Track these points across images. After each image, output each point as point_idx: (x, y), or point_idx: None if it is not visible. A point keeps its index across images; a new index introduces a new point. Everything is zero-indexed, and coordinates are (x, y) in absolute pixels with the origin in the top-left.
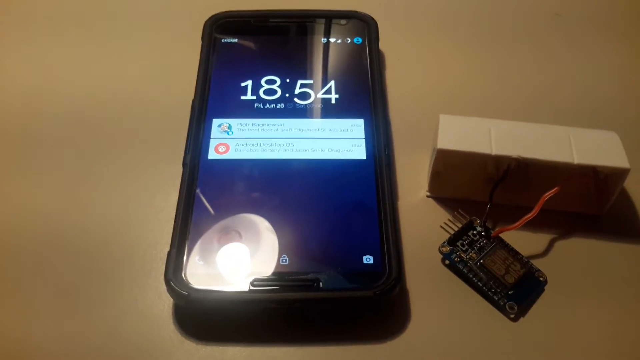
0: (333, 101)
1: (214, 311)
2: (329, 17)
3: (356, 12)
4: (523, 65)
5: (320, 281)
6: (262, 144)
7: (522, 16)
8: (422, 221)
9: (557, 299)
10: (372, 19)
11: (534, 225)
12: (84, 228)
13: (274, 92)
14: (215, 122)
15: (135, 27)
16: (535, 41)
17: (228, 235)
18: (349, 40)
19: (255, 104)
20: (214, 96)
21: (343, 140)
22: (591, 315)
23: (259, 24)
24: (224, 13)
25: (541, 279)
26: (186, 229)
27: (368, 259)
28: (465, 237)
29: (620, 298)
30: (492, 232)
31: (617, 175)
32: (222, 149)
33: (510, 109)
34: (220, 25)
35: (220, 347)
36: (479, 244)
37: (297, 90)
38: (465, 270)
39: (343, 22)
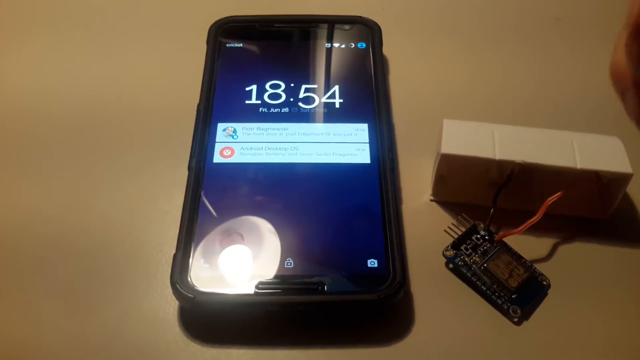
0: (337, 105)
1: (219, 314)
2: (333, 22)
3: (360, 17)
4: (525, 69)
5: (324, 284)
6: (266, 148)
7: (524, 21)
8: (425, 225)
9: (561, 303)
10: (376, 24)
11: (537, 230)
12: (89, 230)
13: (278, 96)
14: (220, 126)
15: (140, 31)
16: (536, 46)
17: (233, 238)
18: (353, 45)
19: (260, 108)
20: (219, 100)
21: (347, 144)
22: (594, 319)
23: (264, 29)
24: (228, 18)
25: (544, 283)
26: (192, 231)
27: (372, 263)
28: (469, 241)
29: (623, 302)
30: (496, 236)
31: (620, 180)
32: (227, 152)
33: (513, 113)
34: (225, 30)
35: (225, 350)
36: (483, 248)
37: (302, 95)
38: (469, 274)
39: (347, 27)
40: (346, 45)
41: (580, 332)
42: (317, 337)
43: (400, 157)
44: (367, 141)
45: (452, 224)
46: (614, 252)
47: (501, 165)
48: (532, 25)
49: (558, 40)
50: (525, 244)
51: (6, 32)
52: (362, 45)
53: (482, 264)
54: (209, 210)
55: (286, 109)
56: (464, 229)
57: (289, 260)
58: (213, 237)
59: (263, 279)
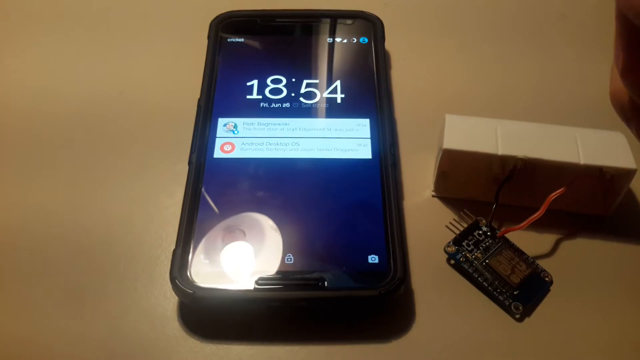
0: (339, 100)
1: (219, 309)
2: (335, 17)
3: (362, 12)
4: (529, 65)
5: (325, 280)
6: (267, 143)
7: (528, 16)
8: (427, 221)
9: (563, 300)
10: (378, 18)
11: (539, 226)
12: (89, 226)
13: (279, 91)
14: (221, 121)
15: (141, 26)
16: (541, 41)
17: (233, 233)
18: (355, 40)
19: (261, 103)
20: (220, 95)
21: (348, 139)
22: (597, 315)
23: (265, 24)
24: (230, 13)
25: (547, 279)
26: (191, 227)
27: (373, 259)
28: (470, 237)
29: (625, 299)
30: (498, 232)
31: (624, 175)
32: (227, 148)
33: (516, 108)
34: (226, 25)
35: (225, 346)
36: (485, 244)
37: (303, 90)
38: (470, 270)
39: (349, 22)
40: (348, 40)
41: (582, 328)
42: (317, 333)
43: (402, 152)
44: (369, 136)
45: (454, 219)
46: (616, 248)
47: (504, 161)
48: (536, 21)
49: (562, 35)
50: (528, 240)
51: (8, 31)
52: (364, 40)
53: (484, 260)
54: (209, 206)
55: (287, 104)
56: (465, 225)
57: (289, 255)
58: (213, 232)
59: (263, 275)
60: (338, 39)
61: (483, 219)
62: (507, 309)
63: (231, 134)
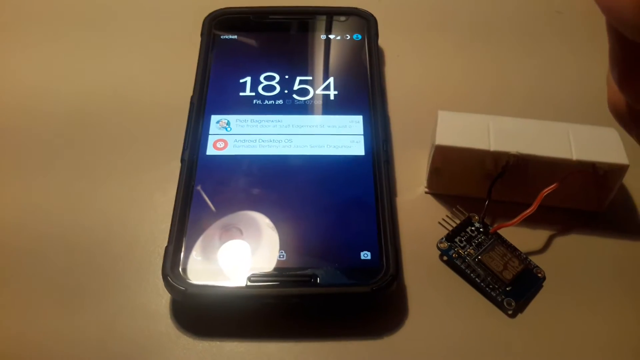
0: (332, 97)
1: (211, 306)
2: (329, 14)
3: (356, 8)
4: (522, 62)
5: (317, 277)
6: (260, 140)
7: (523, 13)
8: (420, 217)
9: (556, 296)
10: (372, 15)
11: (532, 222)
12: (81, 224)
13: (272, 88)
14: (214, 118)
15: (134, 23)
16: (535, 39)
17: (226, 231)
18: (349, 37)
19: (254, 100)
20: (213, 92)
21: (342, 136)
22: (590, 311)
23: (258, 21)
24: (223, 9)
25: (539, 275)
26: (184, 224)
27: (366, 255)
28: (463, 233)
29: (619, 294)
30: (491, 228)
31: (617, 171)
32: (220, 145)
33: (510, 105)
34: (219, 22)
35: (217, 342)
36: (477, 240)
37: (296, 87)
38: (463, 267)
39: (342, 18)
40: (341, 37)
41: (575, 324)
42: (310, 329)
43: (395, 149)
44: (362, 133)
45: (447, 216)
46: (609, 244)
47: (496, 157)
48: (531, 18)
49: (557, 32)
50: (521, 236)
51: (3, 31)
52: (357, 37)
53: (477, 256)
54: (202, 203)
55: (280, 101)
56: (458, 221)
57: (282, 252)
58: (206, 229)
59: (255, 272)
60: (331, 36)
61: (476, 215)
62: (499, 305)
63: (224, 131)
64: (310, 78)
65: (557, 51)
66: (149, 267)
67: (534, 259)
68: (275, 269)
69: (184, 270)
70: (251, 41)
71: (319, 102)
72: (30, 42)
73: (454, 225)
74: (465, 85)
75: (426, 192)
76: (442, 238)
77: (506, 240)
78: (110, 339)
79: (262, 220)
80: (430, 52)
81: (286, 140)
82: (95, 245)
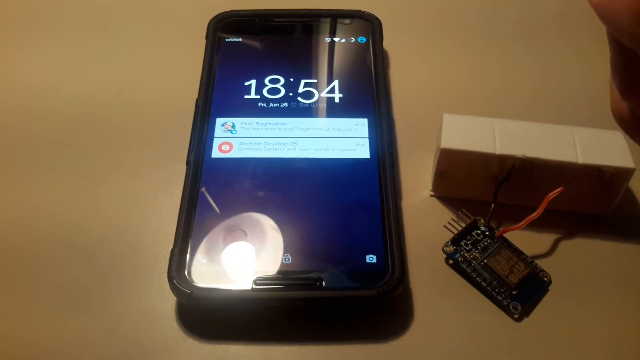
0: (337, 100)
1: (217, 309)
2: (333, 17)
3: (360, 11)
4: (527, 64)
5: (323, 280)
6: (265, 143)
7: (526, 15)
8: (425, 221)
9: (562, 300)
10: (377, 18)
11: (538, 225)
12: (87, 226)
13: (277, 91)
14: (219, 121)
15: (139, 26)
16: (539, 40)
17: (231, 233)
18: (353, 40)
19: (259, 103)
20: (218, 95)
21: (347, 139)
22: (595, 315)
23: (263, 24)
24: (228, 12)
25: (545, 279)
26: (189, 227)
27: (371, 259)
28: (469, 236)
29: (624, 299)
30: (496, 231)
31: (623, 175)
32: (225, 147)
33: (514, 108)
34: (224, 25)
35: (223, 346)
36: (483, 243)
37: (301, 90)
38: (468, 270)
39: (347, 21)
40: (346, 40)
41: (581, 329)
42: (315, 333)
43: (400, 152)
44: (367, 136)
45: (452, 219)
46: (615, 248)
47: (502, 160)
48: (534, 20)
49: (560, 34)
50: (526, 239)
51: (7, 31)
52: (362, 39)
53: (482, 260)
54: (207, 206)
55: (285, 104)
56: (464, 225)
57: (287, 255)
58: (211, 232)
59: (261, 275)
60: (336, 39)
61: (481, 218)
62: (505, 309)
63: (229, 134)
64: (315, 81)
65: (560, 53)
66: (154, 270)
67: (540, 263)
68: (281, 272)
69: (190, 273)
70: (256, 44)
71: (323, 105)
72: (35, 43)
73: (460, 228)
74: (470, 87)
75: (431, 195)
76: (448, 241)
77: (512, 243)
78: (115, 342)
79: (268, 223)
80: (435, 55)
81: (291, 143)
82: (100, 247)
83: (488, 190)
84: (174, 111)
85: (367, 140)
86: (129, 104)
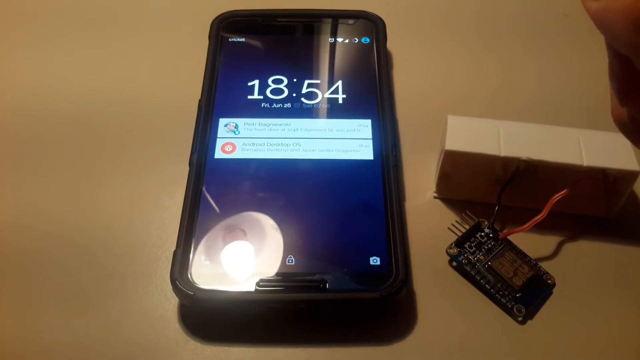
0: (340, 101)
1: (220, 311)
2: (337, 17)
3: (364, 11)
4: (531, 65)
5: (326, 282)
6: (268, 144)
7: (530, 17)
8: (429, 222)
9: (566, 302)
10: (380, 18)
11: (542, 228)
12: (89, 227)
13: (281, 91)
14: (222, 121)
15: (142, 26)
16: (543, 42)
17: (234, 235)
18: (357, 40)
19: (262, 104)
20: (221, 95)
21: (350, 140)
22: (600, 318)
23: (266, 24)
24: (231, 12)
25: (549, 281)
26: (192, 228)
27: (375, 260)
28: (473, 238)
29: (628, 302)
30: (500, 234)
31: (627, 177)
32: (228, 148)
33: (518, 109)
34: (227, 25)
35: (225, 347)
36: (487, 245)
37: (304, 90)
38: (472, 272)
39: (351, 21)
40: (350, 40)
41: (585, 332)
42: (319, 335)
43: (403, 153)
44: (371, 137)
45: (456, 221)
46: (619, 251)
47: (506, 162)
48: (538, 21)
49: (564, 36)
50: (530, 242)
51: (8, 31)
52: (365, 40)
53: (486, 262)
54: (210, 207)
55: (288, 105)
56: (468, 227)
57: (290, 257)
58: (214, 233)
59: (264, 277)
60: (340, 39)
61: (485, 220)
62: (509, 312)
63: (232, 135)
64: (318, 81)
65: (564, 54)
66: (156, 271)
67: (544, 265)
68: (284, 274)
69: (192, 274)
70: (259, 44)
71: (327, 106)
72: (38, 43)
73: (464, 230)
74: (473, 88)
75: (435, 197)
76: (452, 244)
77: (516, 246)
78: (116, 344)
79: (270, 225)
80: (439, 56)
81: (294, 144)
82: (102, 248)
83: (492, 192)
84: (176, 111)
85: (371, 141)
86: (131, 104)
